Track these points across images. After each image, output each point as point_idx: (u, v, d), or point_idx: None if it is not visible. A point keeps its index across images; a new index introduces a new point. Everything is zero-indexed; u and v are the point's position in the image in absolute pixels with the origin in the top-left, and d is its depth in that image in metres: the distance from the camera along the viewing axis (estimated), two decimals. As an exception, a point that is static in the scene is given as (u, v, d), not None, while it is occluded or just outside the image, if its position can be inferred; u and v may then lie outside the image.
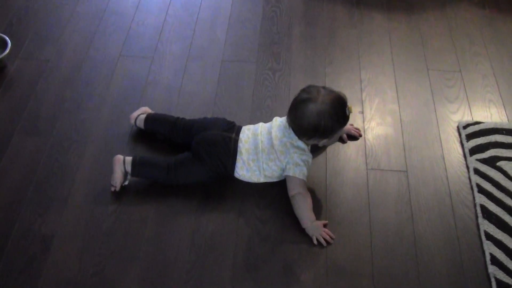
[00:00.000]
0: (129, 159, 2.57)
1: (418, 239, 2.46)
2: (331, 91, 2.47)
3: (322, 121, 2.42)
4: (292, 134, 2.51)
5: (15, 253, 2.36)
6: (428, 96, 3.07)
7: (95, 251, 2.38)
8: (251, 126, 2.65)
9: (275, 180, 2.61)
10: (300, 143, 2.51)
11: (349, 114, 2.47)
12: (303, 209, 2.47)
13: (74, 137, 2.80)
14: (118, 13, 3.51)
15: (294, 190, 2.50)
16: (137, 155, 2.61)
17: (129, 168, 2.56)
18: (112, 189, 2.56)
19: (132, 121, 2.80)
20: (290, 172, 2.51)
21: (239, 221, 2.50)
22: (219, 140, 2.58)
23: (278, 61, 3.22)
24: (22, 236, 2.42)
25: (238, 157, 2.56)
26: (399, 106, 3.00)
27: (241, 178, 2.62)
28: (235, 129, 2.63)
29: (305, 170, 2.50)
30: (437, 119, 2.95)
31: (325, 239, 2.43)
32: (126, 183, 2.58)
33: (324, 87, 2.49)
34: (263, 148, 2.55)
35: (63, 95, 3.00)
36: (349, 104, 2.47)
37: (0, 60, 3.08)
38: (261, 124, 2.66)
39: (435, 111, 2.99)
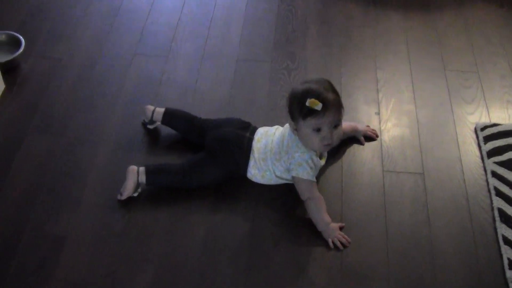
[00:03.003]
0: (142, 169, 2.54)
1: (435, 243, 2.43)
2: (315, 80, 2.45)
3: (287, 100, 2.46)
4: (296, 133, 2.48)
5: (27, 254, 2.34)
6: (445, 96, 3.03)
7: (107, 252, 2.36)
8: (266, 128, 2.64)
9: (286, 181, 2.59)
10: (299, 142, 2.47)
11: (309, 108, 2.33)
12: (317, 213, 2.44)
13: (87, 136, 2.79)
14: (132, 12, 3.49)
15: (304, 195, 2.48)
16: (149, 164, 2.58)
17: (143, 178, 2.53)
18: (118, 197, 2.53)
19: (149, 113, 2.76)
20: (294, 173, 2.48)
21: (253, 223, 2.47)
22: (233, 137, 2.57)
23: (294, 60, 3.20)
24: (34, 237, 2.40)
25: (251, 155, 2.55)
26: (415, 107, 2.97)
27: (253, 178, 2.60)
28: (250, 129, 2.62)
29: (309, 169, 2.46)
30: (454, 120, 2.91)
31: (341, 243, 2.40)
32: (135, 194, 2.54)
33: (323, 81, 2.45)
34: (272, 147, 2.53)
35: (76, 94, 2.99)
36: (313, 99, 2.32)
37: (14, 59, 3.06)
38: (277, 126, 2.64)
39: (452, 112, 2.95)
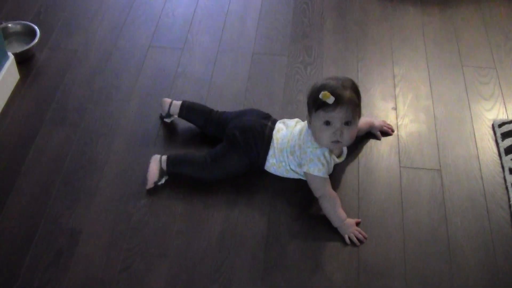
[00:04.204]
0: (164, 157, 2.55)
1: (452, 240, 2.41)
2: (331, 77, 2.44)
3: (308, 92, 2.45)
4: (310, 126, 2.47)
5: (42, 247, 2.34)
6: (462, 92, 3.01)
7: (123, 246, 2.35)
8: (286, 120, 2.63)
9: (299, 177, 2.57)
10: (312, 138, 2.46)
11: (322, 100, 2.32)
12: (330, 210, 2.43)
13: (102, 128, 2.78)
14: (148, 3, 3.48)
15: (316, 192, 2.47)
16: (171, 154, 2.58)
17: (164, 166, 2.53)
18: (146, 186, 2.53)
19: (166, 106, 2.76)
20: (305, 168, 2.47)
21: (270, 218, 2.46)
22: (255, 125, 2.57)
23: (310, 54, 3.18)
24: (50, 229, 2.39)
25: (271, 144, 2.54)
26: (432, 103, 2.95)
27: (271, 168, 2.59)
28: (270, 119, 2.63)
29: (320, 166, 2.44)
30: (471, 117, 2.89)
31: (358, 238, 2.38)
32: (163, 181, 2.54)
33: (346, 79, 2.44)
34: (289, 139, 2.53)
35: (92, 86, 2.98)
36: (326, 91, 2.31)
37: (29, 49, 3.05)
38: (297, 119, 2.64)
39: (470, 108, 2.93)
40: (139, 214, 2.45)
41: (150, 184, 2.52)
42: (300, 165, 2.50)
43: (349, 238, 2.39)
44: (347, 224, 2.41)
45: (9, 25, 3.17)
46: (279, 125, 2.59)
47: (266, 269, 2.30)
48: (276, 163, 2.56)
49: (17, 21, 3.20)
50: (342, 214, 2.42)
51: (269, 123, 2.59)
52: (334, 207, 2.43)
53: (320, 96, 2.32)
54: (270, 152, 2.55)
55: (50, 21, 3.32)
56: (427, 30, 3.37)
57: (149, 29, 3.30)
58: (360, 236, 2.39)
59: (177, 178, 2.58)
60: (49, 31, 3.25)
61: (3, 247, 2.34)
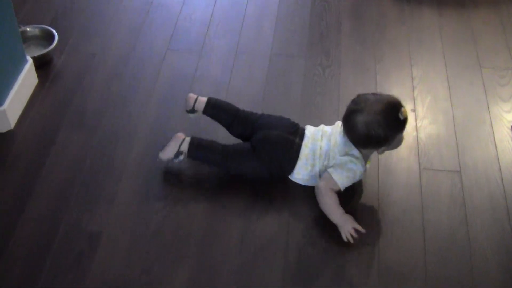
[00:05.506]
0: (188, 139, 2.56)
1: (472, 243, 2.40)
2: (379, 98, 2.38)
3: (372, 131, 2.33)
4: (349, 142, 2.44)
5: (62, 250, 2.34)
6: (481, 94, 3.00)
7: (143, 249, 2.35)
8: (312, 129, 2.57)
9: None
10: (355, 151, 2.44)
11: (404, 118, 2.35)
12: (327, 205, 2.42)
13: (121, 132, 2.78)
14: (165, 7, 3.48)
15: (321, 184, 2.43)
16: (195, 137, 2.58)
17: (185, 148, 2.54)
18: (158, 159, 2.58)
19: (191, 102, 2.70)
20: (331, 170, 2.44)
21: (290, 222, 2.45)
22: (282, 142, 2.52)
23: (328, 57, 3.17)
24: (70, 232, 2.39)
25: (297, 162, 2.52)
26: (451, 105, 2.93)
27: (297, 181, 2.57)
28: (299, 133, 2.56)
29: (344, 176, 2.42)
30: (490, 118, 2.88)
31: (353, 236, 2.35)
32: (176, 161, 2.56)
33: (374, 94, 2.42)
34: (321, 154, 2.49)
35: (110, 89, 2.98)
36: (403, 108, 2.34)
37: (47, 53, 3.06)
38: (322, 127, 2.59)
39: (489, 110, 2.92)
40: (158, 218, 2.45)
41: (162, 157, 2.57)
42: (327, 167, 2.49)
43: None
44: (343, 220, 2.38)
45: (28, 29, 3.18)
46: (306, 139, 2.52)
47: (286, 273, 2.29)
48: (303, 177, 2.54)
49: (35, 25, 3.21)
50: (339, 209, 2.41)
51: (297, 139, 2.53)
52: (332, 205, 2.41)
53: (403, 116, 2.34)
54: (296, 170, 2.53)
55: (68, 25, 3.33)
56: (445, 32, 3.36)
57: (166, 33, 3.31)
58: (355, 235, 2.34)
59: (196, 181, 2.60)
60: (67, 35, 3.26)
61: (24, 250, 2.34)
